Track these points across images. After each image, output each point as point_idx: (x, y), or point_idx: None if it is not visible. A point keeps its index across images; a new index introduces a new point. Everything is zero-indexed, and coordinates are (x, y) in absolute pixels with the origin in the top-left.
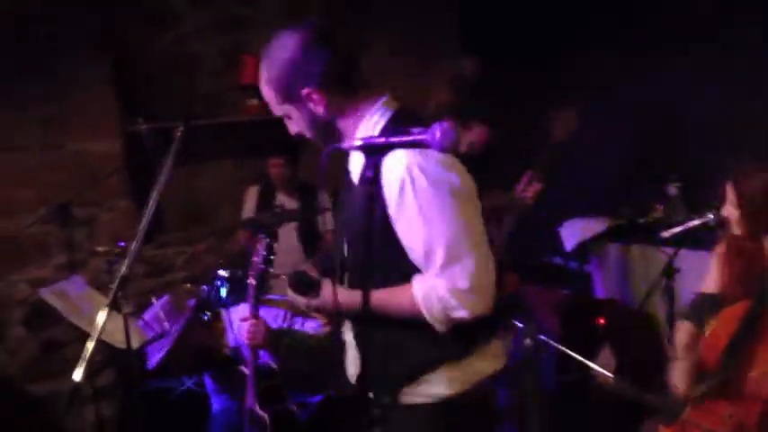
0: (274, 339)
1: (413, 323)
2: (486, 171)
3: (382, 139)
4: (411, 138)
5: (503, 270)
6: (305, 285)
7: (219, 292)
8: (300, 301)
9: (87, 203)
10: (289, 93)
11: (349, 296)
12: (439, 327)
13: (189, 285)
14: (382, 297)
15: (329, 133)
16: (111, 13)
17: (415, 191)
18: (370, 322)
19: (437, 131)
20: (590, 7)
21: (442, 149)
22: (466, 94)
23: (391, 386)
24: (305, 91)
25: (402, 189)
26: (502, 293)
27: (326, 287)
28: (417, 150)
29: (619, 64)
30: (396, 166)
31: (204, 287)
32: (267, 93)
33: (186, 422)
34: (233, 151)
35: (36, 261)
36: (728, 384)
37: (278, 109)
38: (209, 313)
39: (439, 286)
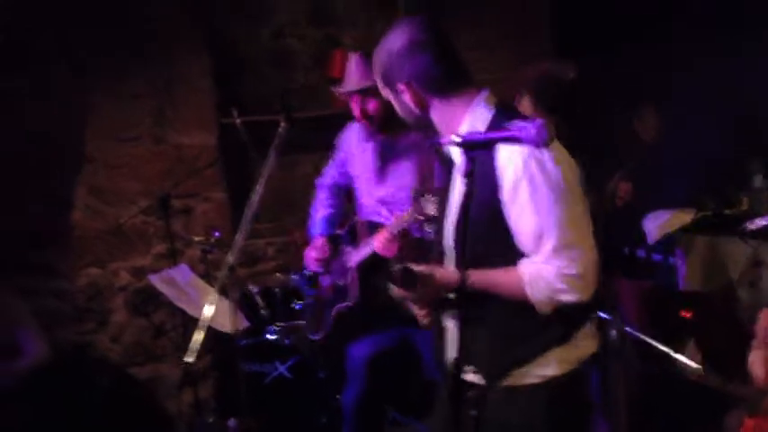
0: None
1: (520, 309)
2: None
3: (480, 136)
4: (508, 134)
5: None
6: (409, 279)
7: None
8: (405, 294)
9: (184, 195)
10: (387, 82)
11: (456, 276)
12: (542, 308)
13: (279, 274)
14: (488, 276)
15: (424, 124)
16: (211, 7)
17: (531, 178)
18: (475, 306)
19: (532, 129)
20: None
21: (537, 146)
22: (545, 91)
23: (500, 370)
24: (400, 85)
25: (518, 176)
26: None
27: (436, 269)
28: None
29: (703, 52)
30: (514, 156)
31: (294, 276)
32: (375, 76)
33: (278, 405)
34: (325, 143)
35: (137, 250)
36: None
37: (382, 91)
38: (300, 303)
39: (547, 270)
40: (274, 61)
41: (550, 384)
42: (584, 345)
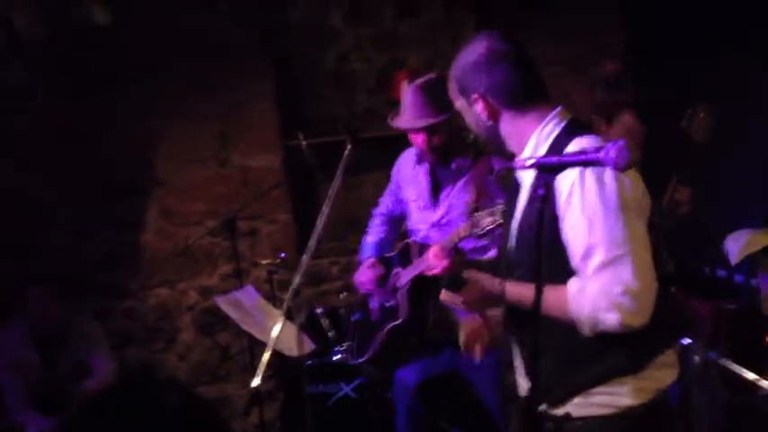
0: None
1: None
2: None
3: (555, 159)
4: (585, 157)
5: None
6: (458, 284)
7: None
8: (451, 298)
9: (250, 216)
10: (462, 91)
11: (513, 289)
12: (585, 329)
13: (344, 294)
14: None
15: (494, 137)
16: (277, 32)
17: (584, 192)
18: (534, 324)
19: (611, 150)
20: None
21: (617, 168)
22: (610, 90)
23: (564, 396)
24: (474, 96)
25: (572, 190)
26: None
27: (484, 276)
28: None
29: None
30: (569, 170)
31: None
32: (449, 84)
33: (343, 426)
34: (388, 164)
35: (204, 270)
36: None
37: (455, 101)
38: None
39: (592, 285)
40: (338, 84)
41: (628, 415)
42: (661, 374)
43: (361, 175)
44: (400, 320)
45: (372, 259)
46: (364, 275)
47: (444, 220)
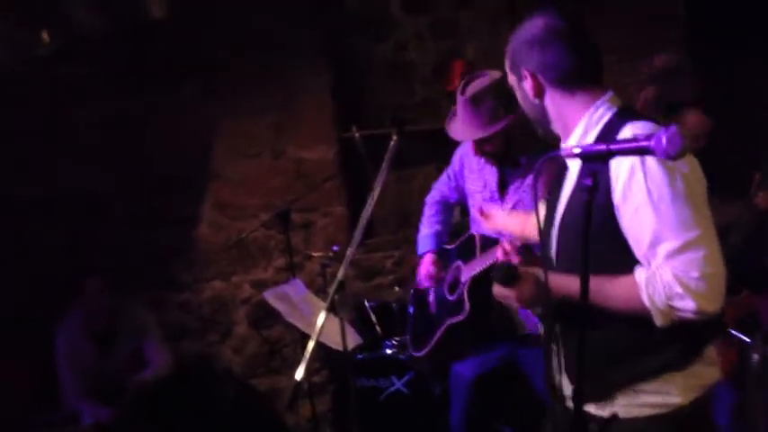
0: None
1: (631, 324)
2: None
3: (603, 146)
4: (635, 144)
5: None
6: (509, 277)
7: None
8: (506, 293)
9: (304, 209)
10: (514, 66)
11: (562, 281)
12: (659, 319)
13: (397, 288)
14: (599, 283)
15: (541, 117)
16: (333, 23)
17: (646, 177)
18: (582, 319)
19: (663, 137)
20: None
21: (669, 157)
22: (670, 83)
23: (611, 394)
24: (525, 71)
25: (632, 175)
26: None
27: (539, 272)
28: None
29: None
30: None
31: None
32: (506, 59)
33: (394, 421)
34: (443, 156)
35: (259, 263)
36: None
37: (509, 76)
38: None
39: (665, 272)
40: (395, 75)
41: (677, 414)
42: (707, 371)
43: (414, 168)
44: (462, 317)
45: (432, 255)
46: (425, 271)
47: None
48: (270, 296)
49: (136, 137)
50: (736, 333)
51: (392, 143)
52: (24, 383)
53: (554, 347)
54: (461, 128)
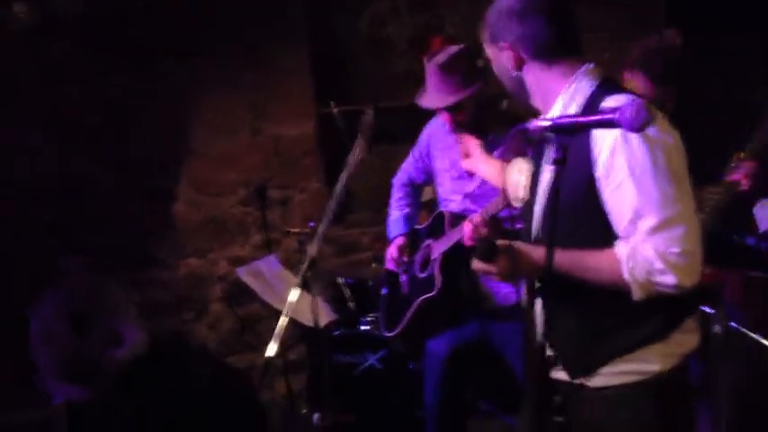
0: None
1: (614, 298)
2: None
3: (571, 119)
4: (601, 117)
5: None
6: (489, 252)
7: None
8: (485, 267)
9: (282, 185)
10: (492, 38)
11: (541, 253)
12: (638, 293)
13: (375, 265)
14: (578, 256)
15: (520, 89)
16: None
17: (629, 152)
18: (566, 293)
19: (628, 110)
20: None
21: (633, 129)
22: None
23: (593, 366)
24: (503, 44)
25: (614, 150)
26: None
27: (521, 244)
28: None
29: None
30: (608, 130)
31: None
32: (484, 31)
33: (370, 396)
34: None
35: (236, 240)
36: None
37: (485, 48)
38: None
39: (646, 248)
40: (374, 50)
41: (655, 381)
42: (686, 339)
43: (395, 144)
44: (434, 292)
45: (401, 238)
46: (394, 253)
47: (479, 191)
48: (243, 273)
49: (115, 116)
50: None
51: (364, 117)
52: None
53: (537, 321)
54: (433, 96)
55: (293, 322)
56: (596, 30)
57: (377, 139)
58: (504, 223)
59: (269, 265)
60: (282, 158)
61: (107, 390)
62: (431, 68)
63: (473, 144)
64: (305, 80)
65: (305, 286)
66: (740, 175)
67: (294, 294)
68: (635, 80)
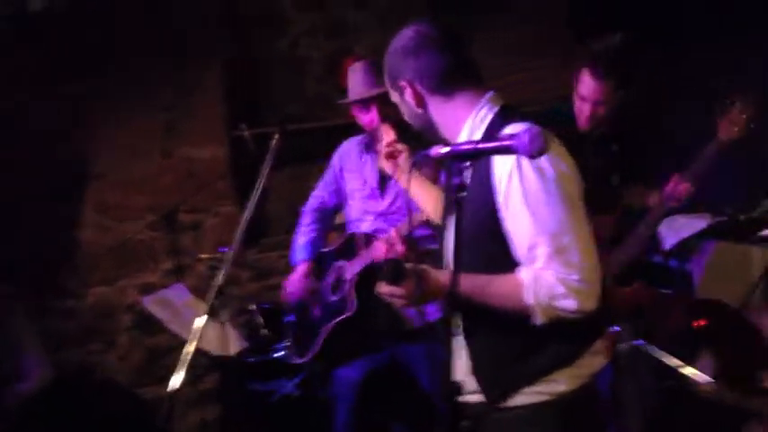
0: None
1: (524, 324)
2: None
3: (469, 146)
4: (498, 144)
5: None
6: (397, 274)
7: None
8: (392, 291)
9: (194, 209)
10: (392, 80)
11: (447, 277)
12: (540, 317)
13: None
14: (482, 281)
15: (428, 125)
16: (226, 20)
17: (522, 181)
18: (476, 320)
19: (525, 137)
20: None
21: (530, 156)
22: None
23: (506, 389)
24: (402, 83)
25: (510, 179)
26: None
27: (428, 269)
28: None
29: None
30: (509, 157)
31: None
32: (385, 76)
33: (285, 424)
34: None
35: (146, 267)
36: None
37: (391, 94)
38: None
39: (547, 274)
40: (289, 72)
41: (562, 401)
42: (594, 360)
43: (308, 165)
44: (348, 313)
45: (305, 265)
46: (294, 284)
47: (392, 209)
48: (149, 302)
49: (18, 137)
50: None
51: (273, 142)
52: None
53: (455, 346)
54: (362, 88)
55: (202, 351)
56: (510, 52)
57: (289, 160)
58: (420, 242)
59: (177, 293)
60: (194, 181)
61: (11, 426)
62: (357, 67)
63: (400, 147)
64: (218, 102)
65: (212, 314)
66: (675, 197)
67: (200, 322)
68: (581, 80)
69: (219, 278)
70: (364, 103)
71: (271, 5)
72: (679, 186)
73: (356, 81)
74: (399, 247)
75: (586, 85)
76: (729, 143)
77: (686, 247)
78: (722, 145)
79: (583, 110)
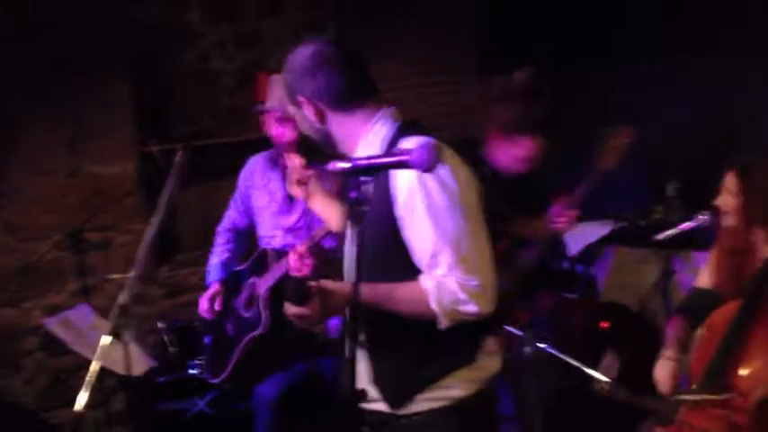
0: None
1: (421, 330)
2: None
3: (367, 161)
4: (394, 159)
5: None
6: (302, 295)
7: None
8: (299, 311)
9: (103, 227)
10: (291, 96)
11: (349, 289)
12: (445, 321)
13: None
14: (384, 290)
15: (327, 139)
16: (132, 33)
17: (424, 192)
18: (376, 328)
19: (418, 151)
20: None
21: (423, 170)
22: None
23: (406, 395)
24: (300, 99)
25: (411, 190)
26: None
27: (330, 283)
28: None
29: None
30: (406, 171)
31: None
32: (284, 91)
33: None
34: None
35: (52, 287)
36: (718, 384)
37: (289, 109)
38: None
39: (450, 280)
40: (201, 85)
41: (459, 406)
42: (486, 364)
43: (218, 180)
44: (261, 329)
45: (217, 285)
46: (206, 304)
47: (300, 224)
48: (52, 324)
49: None
50: (509, 328)
51: (177, 158)
52: None
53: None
54: (273, 100)
55: (108, 371)
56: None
57: (200, 176)
58: (330, 253)
59: (81, 313)
60: (101, 199)
61: None
62: (278, 79)
63: (309, 173)
64: (125, 117)
65: (116, 334)
66: (563, 221)
67: (104, 343)
68: (519, 144)
69: (123, 297)
70: (283, 116)
71: (179, 18)
72: (566, 212)
73: (276, 92)
74: (308, 260)
75: (528, 149)
76: (606, 172)
77: (591, 253)
78: (600, 174)
79: (519, 167)
